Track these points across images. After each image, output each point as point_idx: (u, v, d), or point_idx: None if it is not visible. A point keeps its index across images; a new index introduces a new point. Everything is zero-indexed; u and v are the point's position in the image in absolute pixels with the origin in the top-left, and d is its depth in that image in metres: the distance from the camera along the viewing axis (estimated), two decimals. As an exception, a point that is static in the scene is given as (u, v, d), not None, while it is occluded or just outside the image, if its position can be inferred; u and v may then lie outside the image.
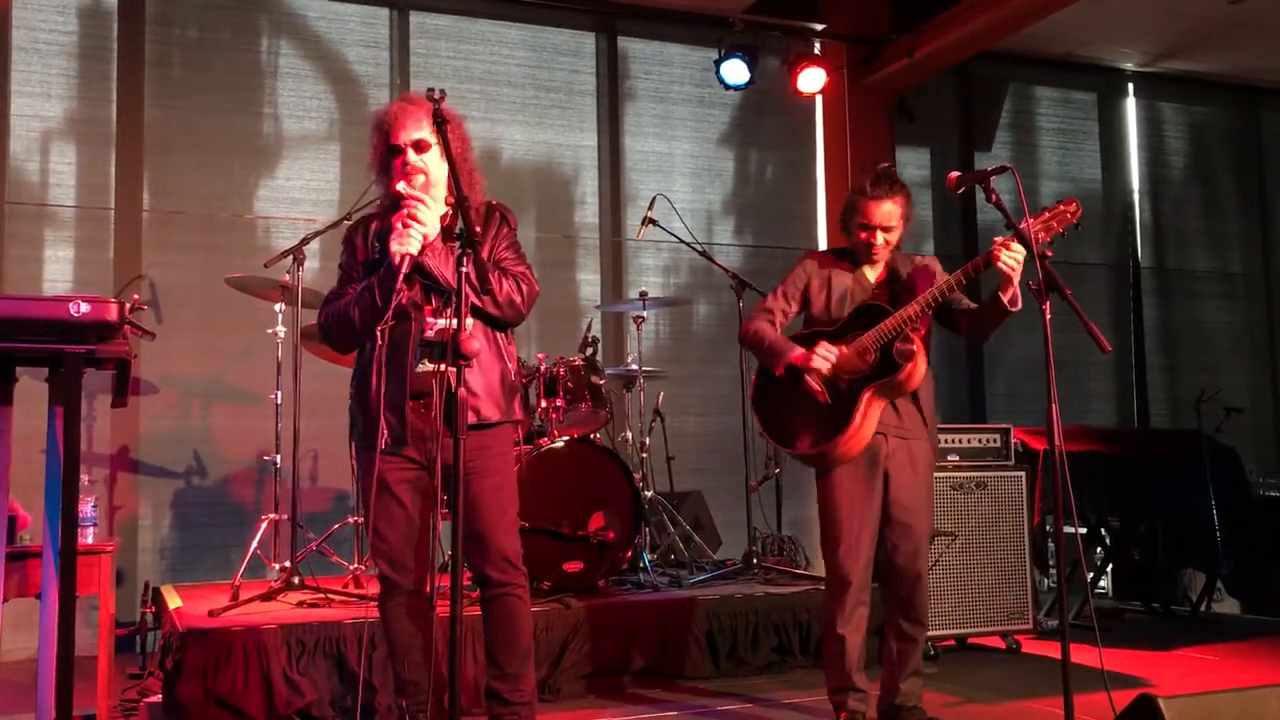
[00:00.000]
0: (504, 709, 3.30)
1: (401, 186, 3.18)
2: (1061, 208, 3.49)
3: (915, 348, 3.67)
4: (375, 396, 3.19)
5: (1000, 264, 3.51)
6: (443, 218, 3.24)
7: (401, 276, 3.05)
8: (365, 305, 3.18)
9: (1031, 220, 3.43)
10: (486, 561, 3.27)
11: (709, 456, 7.13)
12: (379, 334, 3.18)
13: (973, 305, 3.81)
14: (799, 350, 3.76)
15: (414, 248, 3.09)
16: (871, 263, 3.86)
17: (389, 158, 3.25)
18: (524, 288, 3.25)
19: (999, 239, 3.53)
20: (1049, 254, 3.37)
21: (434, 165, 3.25)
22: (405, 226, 3.10)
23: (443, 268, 3.14)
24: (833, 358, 3.69)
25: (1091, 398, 8.50)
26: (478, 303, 3.12)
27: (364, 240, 3.34)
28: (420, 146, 3.22)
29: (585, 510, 4.91)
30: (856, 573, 3.73)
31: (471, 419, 3.08)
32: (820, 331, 3.82)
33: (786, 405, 3.81)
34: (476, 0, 6.99)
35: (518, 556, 3.32)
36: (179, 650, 4.07)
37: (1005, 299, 3.58)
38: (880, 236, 3.77)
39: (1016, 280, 3.54)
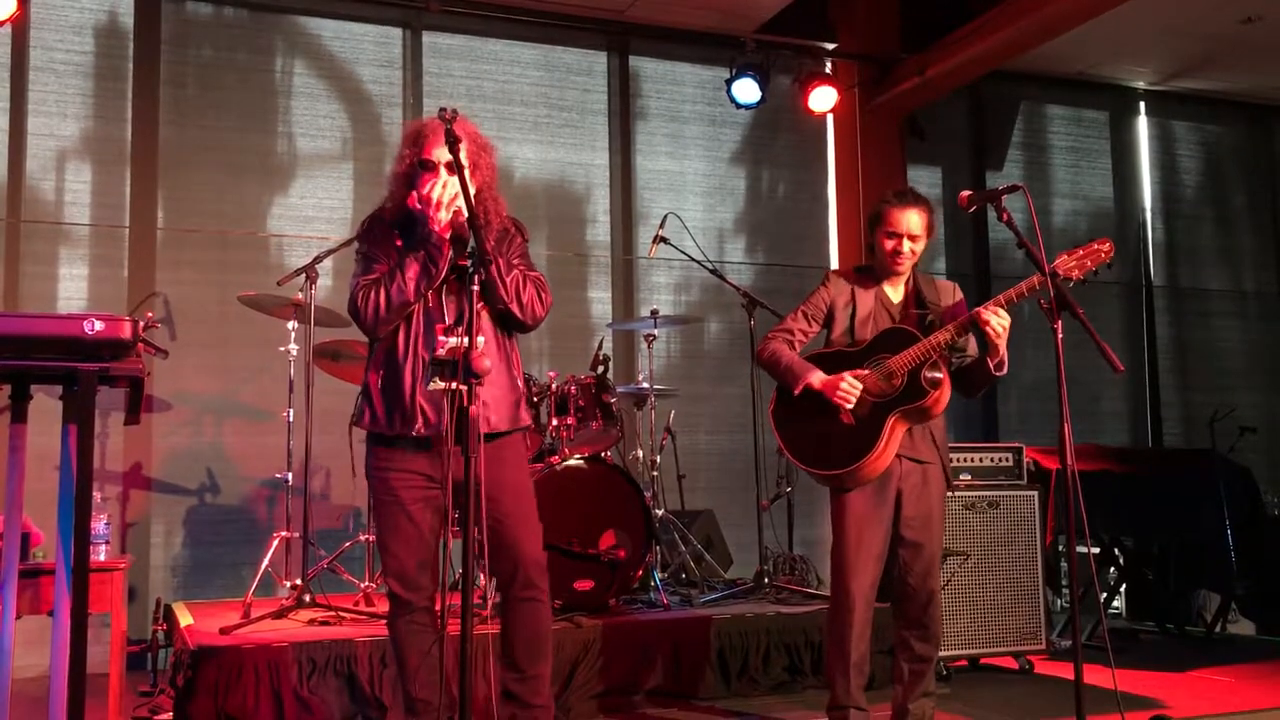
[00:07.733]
0: (523, 711, 3.30)
1: (431, 192, 3.19)
2: (1095, 246, 3.50)
3: (943, 375, 3.69)
4: (410, 384, 3.22)
5: (988, 329, 3.57)
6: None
7: (448, 236, 3.17)
8: (415, 272, 3.19)
9: (1065, 256, 3.45)
10: (516, 571, 3.30)
11: (720, 475, 7.12)
12: (410, 331, 3.23)
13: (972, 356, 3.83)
14: (820, 374, 3.75)
15: (447, 216, 3.19)
16: (896, 274, 3.86)
17: (418, 170, 3.28)
18: (543, 295, 3.31)
19: (982, 306, 3.58)
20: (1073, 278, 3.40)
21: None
22: (442, 198, 3.18)
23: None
24: (857, 392, 3.69)
25: (1104, 417, 8.47)
26: (503, 295, 3.17)
27: (385, 230, 3.35)
28: (452, 168, 3.24)
29: (596, 529, 4.90)
30: (862, 591, 3.73)
31: (482, 429, 3.08)
32: (843, 352, 3.81)
33: (808, 423, 3.80)
34: (489, 20, 7.03)
35: (543, 564, 3.35)
36: (190, 668, 4.07)
37: (992, 365, 3.64)
38: (906, 245, 3.78)
39: (1003, 346, 3.59)
